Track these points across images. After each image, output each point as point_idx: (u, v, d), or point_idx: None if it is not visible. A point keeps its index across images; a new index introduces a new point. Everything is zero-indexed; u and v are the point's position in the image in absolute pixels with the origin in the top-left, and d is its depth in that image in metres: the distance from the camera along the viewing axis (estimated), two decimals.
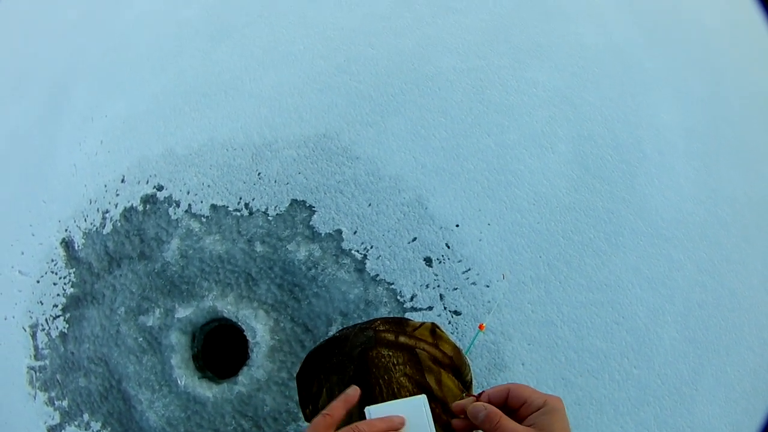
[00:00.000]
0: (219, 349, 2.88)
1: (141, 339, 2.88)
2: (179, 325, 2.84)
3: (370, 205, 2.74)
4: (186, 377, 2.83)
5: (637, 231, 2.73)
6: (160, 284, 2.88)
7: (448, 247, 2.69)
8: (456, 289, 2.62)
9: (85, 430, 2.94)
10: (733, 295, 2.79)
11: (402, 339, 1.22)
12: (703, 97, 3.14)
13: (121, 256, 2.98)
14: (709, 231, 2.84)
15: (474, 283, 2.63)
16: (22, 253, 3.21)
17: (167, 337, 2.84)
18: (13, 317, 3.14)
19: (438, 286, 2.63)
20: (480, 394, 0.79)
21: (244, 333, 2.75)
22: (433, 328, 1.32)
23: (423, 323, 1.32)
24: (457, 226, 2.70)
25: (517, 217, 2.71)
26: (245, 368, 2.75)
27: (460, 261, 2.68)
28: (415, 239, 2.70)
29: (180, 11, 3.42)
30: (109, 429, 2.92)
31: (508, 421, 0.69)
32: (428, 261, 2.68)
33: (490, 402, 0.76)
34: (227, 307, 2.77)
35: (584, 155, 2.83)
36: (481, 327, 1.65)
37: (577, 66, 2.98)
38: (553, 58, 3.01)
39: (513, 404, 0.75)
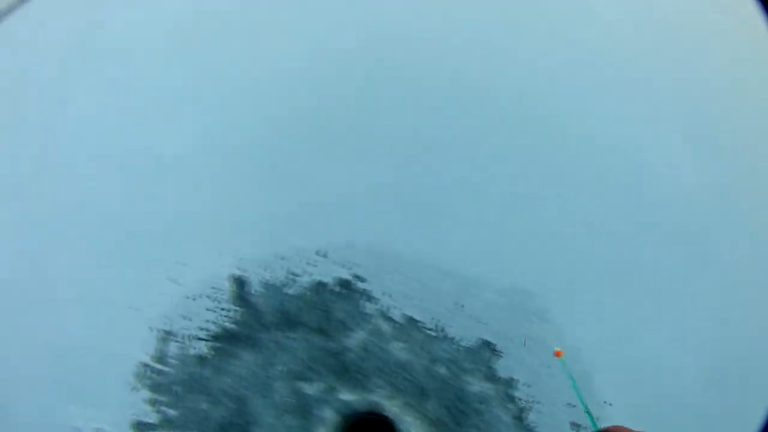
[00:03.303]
0: None
1: (293, 400, 3.09)
2: (338, 405, 3.04)
3: (547, 366, 3.09)
4: None
5: None
6: (332, 363, 3.08)
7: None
8: None
9: None
10: None
11: None
12: None
13: (299, 321, 3.09)
14: None
15: None
16: (178, 263, 3.24)
17: (321, 409, 3.04)
18: (143, 313, 3.14)
19: None
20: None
21: None
22: None
23: None
24: (610, 404, 3.12)
25: (661, 410, 3.17)
26: None
27: None
28: (572, 405, 3.11)
29: None
30: None
31: None
32: (575, 426, 3.10)
33: None
34: (392, 408, 3.07)
35: (717, 365, 3.30)
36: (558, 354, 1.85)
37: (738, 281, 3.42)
38: (721, 270, 3.44)
39: None
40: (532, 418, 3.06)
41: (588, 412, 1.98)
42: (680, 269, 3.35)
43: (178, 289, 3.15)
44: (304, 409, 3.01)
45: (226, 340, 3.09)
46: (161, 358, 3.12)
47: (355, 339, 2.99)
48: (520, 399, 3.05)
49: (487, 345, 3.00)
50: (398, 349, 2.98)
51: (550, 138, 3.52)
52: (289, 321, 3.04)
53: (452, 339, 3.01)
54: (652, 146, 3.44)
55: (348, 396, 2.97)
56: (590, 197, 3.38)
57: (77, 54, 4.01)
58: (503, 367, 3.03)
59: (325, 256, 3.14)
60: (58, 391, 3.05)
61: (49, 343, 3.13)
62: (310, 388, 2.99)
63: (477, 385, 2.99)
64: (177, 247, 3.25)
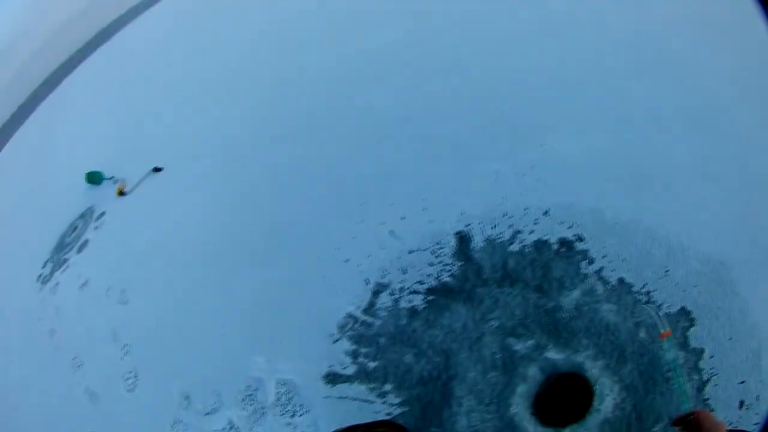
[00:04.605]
0: (561, 398, 3.08)
1: (499, 356, 2.98)
2: (543, 363, 3.00)
3: (730, 339, 3.17)
4: (520, 407, 3.02)
5: None
6: (545, 321, 3.00)
7: (757, 399, 3.21)
8: None
9: (378, 396, 2.96)
10: None
11: None
12: None
13: (518, 278, 3.02)
14: None
15: None
16: (403, 218, 3.07)
17: (526, 367, 2.99)
18: (358, 265, 3.08)
19: None
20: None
21: (593, 398, 3.02)
22: None
23: None
24: None
25: None
26: (575, 425, 3.04)
27: (757, 414, 3.24)
28: (743, 382, 3.21)
29: None
30: (407, 408, 2.98)
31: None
32: (741, 404, 3.22)
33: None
34: (593, 369, 3.01)
35: None
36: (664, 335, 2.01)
37: None
38: None
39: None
40: (710, 391, 3.10)
41: (684, 396, 2.01)
42: None
43: (399, 243, 3.10)
44: (508, 365, 2.89)
45: (443, 293, 3.04)
46: (370, 309, 3.03)
47: (570, 298, 2.91)
48: (704, 370, 3.07)
49: (685, 312, 2.97)
50: (608, 311, 2.97)
51: None
52: (507, 276, 3.03)
53: (656, 304, 2.96)
54: None
55: (555, 354, 2.88)
56: None
57: None
58: (695, 336, 3.04)
59: (547, 214, 2.98)
60: (242, 342, 3.00)
61: (241, 296, 3.18)
62: (519, 345, 2.87)
63: (671, 353, 2.97)
64: (403, 200, 3.26)
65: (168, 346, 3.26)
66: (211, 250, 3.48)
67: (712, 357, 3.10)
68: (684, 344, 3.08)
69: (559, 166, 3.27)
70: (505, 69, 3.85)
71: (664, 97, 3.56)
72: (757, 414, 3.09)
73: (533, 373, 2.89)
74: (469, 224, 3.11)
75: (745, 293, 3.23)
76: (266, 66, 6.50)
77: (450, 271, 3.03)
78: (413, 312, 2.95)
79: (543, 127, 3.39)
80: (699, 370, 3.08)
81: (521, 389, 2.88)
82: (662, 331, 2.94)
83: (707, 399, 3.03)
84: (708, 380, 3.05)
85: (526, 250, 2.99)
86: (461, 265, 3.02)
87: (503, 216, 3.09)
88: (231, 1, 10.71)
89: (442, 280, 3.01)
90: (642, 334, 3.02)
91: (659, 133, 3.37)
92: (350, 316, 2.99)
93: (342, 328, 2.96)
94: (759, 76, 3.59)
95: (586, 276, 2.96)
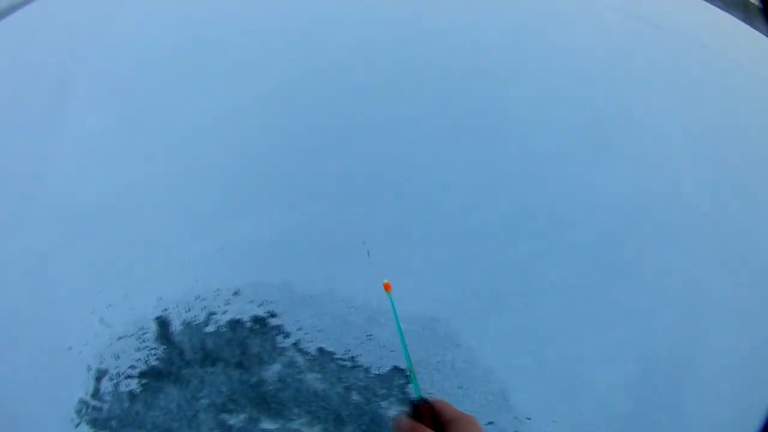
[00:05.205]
0: None
1: (217, 431, 2.98)
2: None
3: (460, 387, 3.11)
4: None
5: None
6: (251, 395, 3.07)
7: None
8: None
9: None
10: None
11: None
12: None
13: (218, 357, 3.21)
14: None
15: None
16: (109, 306, 3.42)
17: None
18: (80, 353, 3.22)
19: None
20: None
21: None
22: None
23: None
24: (529, 419, 3.04)
25: (579, 420, 3.07)
26: None
27: None
28: (491, 423, 3.02)
29: None
30: None
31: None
32: None
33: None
34: None
35: (646, 371, 3.28)
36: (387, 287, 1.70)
37: (658, 288, 3.61)
38: (639, 279, 3.67)
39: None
40: None
41: (411, 373, 2.15)
42: (591, 283, 3.64)
43: (109, 330, 3.34)
44: None
45: (154, 377, 3.17)
46: (96, 395, 3.13)
47: (271, 371, 3.13)
48: None
49: (398, 371, 3.11)
50: (313, 380, 3.12)
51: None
52: (208, 356, 3.21)
53: (364, 367, 3.14)
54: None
55: (270, 425, 2.98)
56: (488, 227, 3.87)
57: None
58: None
59: (237, 294, 3.45)
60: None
61: None
62: (232, 419, 2.99)
63: (393, 410, 3.00)
64: (108, 289, 3.55)
65: None
66: None
67: None
68: (405, 400, 3.09)
69: (246, 247, 3.61)
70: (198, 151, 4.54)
71: (353, 170, 4.24)
72: None
73: None
74: (166, 309, 3.33)
75: (469, 343, 3.36)
76: None
77: (156, 354, 3.15)
78: (132, 395, 3.01)
79: (232, 211, 3.87)
80: None
81: None
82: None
83: None
84: None
85: (222, 330, 3.22)
86: (165, 349, 3.16)
87: (196, 299, 3.35)
88: None
89: (150, 364, 3.12)
90: (355, 396, 3.09)
91: (348, 206, 3.95)
92: (82, 401, 3.04)
93: (78, 412, 2.99)
94: None
95: (284, 349, 3.21)
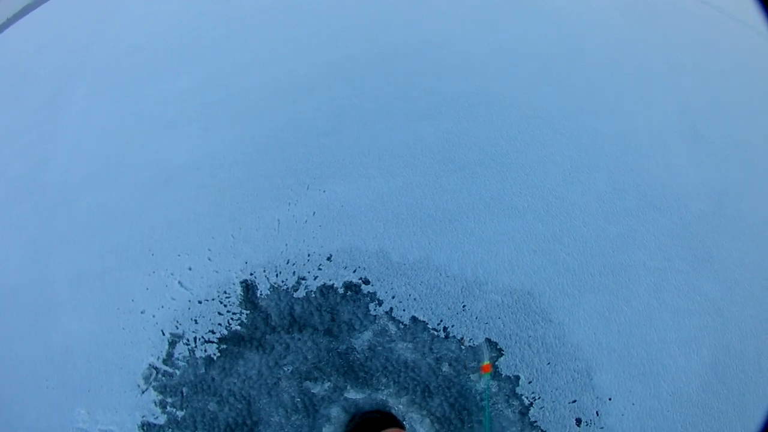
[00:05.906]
0: None
1: (299, 399, 3.09)
2: (345, 403, 3.09)
3: (549, 363, 3.20)
4: None
5: None
6: (338, 363, 3.17)
7: (597, 415, 3.21)
8: None
9: None
10: None
11: None
12: None
13: (306, 323, 3.19)
14: None
15: None
16: (189, 269, 3.36)
17: (328, 408, 3.09)
18: (153, 316, 3.26)
19: None
20: None
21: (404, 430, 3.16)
22: None
23: None
24: (610, 399, 3.22)
25: (655, 404, 3.28)
26: None
27: (602, 428, 3.22)
28: (574, 401, 3.20)
29: None
30: None
31: None
32: (579, 422, 3.21)
33: None
34: (398, 405, 3.17)
35: (718, 362, 3.42)
36: (486, 369, 1.83)
37: (736, 280, 3.54)
38: (719, 270, 3.56)
39: None
40: (534, 413, 3.16)
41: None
42: (678, 268, 3.46)
43: (188, 293, 3.27)
44: (309, 408, 3.09)
45: (235, 342, 3.19)
46: (169, 360, 3.21)
47: (361, 339, 3.11)
48: (523, 395, 3.15)
49: (491, 344, 3.10)
50: (404, 349, 3.10)
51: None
52: (295, 322, 3.18)
53: (457, 338, 3.11)
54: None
55: (355, 394, 3.07)
56: (584, 203, 3.52)
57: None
58: (506, 365, 3.13)
59: (330, 259, 3.26)
60: (64, 394, 3.14)
61: (58, 347, 3.29)
62: (316, 388, 3.09)
63: (481, 383, 3.08)
64: (190, 251, 3.39)
65: None
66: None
67: (530, 383, 3.18)
68: (495, 374, 3.21)
69: (340, 211, 3.44)
70: (292, 112, 4.17)
71: (454, 139, 3.77)
72: (602, 428, 3.14)
73: (336, 413, 3.09)
74: (253, 273, 3.29)
75: (560, 319, 3.30)
76: None
77: (239, 319, 3.19)
78: (209, 361, 3.09)
79: (325, 174, 3.62)
80: (518, 396, 3.18)
81: (327, 430, 3.12)
82: (484, 363, 3.11)
83: (535, 422, 3.13)
84: (531, 404, 3.14)
85: (312, 295, 3.19)
86: (249, 314, 3.19)
87: (287, 263, 3.29)
88: None
89: (232, 329, 3.17)
90: (445, 368, 3.20)
91: (447, 175, 3.58)
92: (152, 366, 3.14)
93: (147, 378, 3.11)
94: None
95: (376, 317, 3.21)
